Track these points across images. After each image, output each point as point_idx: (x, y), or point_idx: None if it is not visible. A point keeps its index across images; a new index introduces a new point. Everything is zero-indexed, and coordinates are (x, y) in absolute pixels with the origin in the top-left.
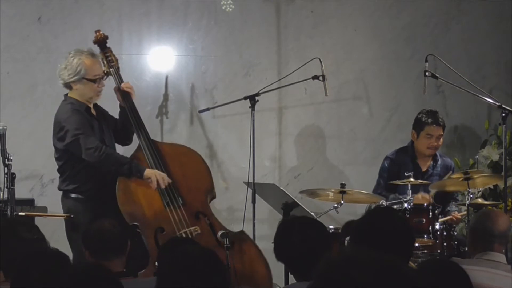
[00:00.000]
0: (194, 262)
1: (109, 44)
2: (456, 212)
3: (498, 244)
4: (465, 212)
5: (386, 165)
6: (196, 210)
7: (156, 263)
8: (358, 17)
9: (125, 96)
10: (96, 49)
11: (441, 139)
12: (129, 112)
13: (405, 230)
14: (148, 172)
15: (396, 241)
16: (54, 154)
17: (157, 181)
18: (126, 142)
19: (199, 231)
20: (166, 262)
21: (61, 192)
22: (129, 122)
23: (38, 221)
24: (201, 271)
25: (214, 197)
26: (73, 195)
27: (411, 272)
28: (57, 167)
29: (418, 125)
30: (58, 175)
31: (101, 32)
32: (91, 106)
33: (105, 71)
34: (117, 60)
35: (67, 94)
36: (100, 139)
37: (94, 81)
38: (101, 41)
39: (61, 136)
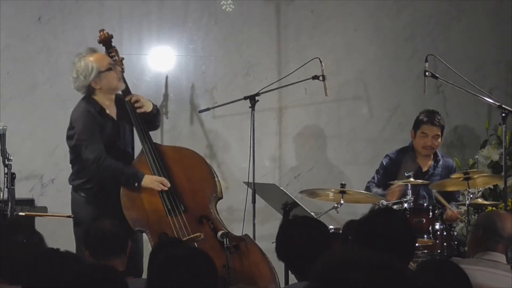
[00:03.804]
0: (183, 263)
1: None
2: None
3: (502, 245)
4: (462, 210)
5: (384, 163)
6: (200, 215)
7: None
8: (358, 17)
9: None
10: (102, 49)
11: (439, 140)
12: (132, 114)
13: (406, 232)
14: (145, 182)
15: (398, 242)
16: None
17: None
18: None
19: (202, 237)
20: (157, 264)
21: (60, 192)
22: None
23: (38, 221)
24: (191, 272)
25: (220, 198)
26: (79, 192)
27: (409, 272)
28: (57, 167)
29: (416, 124)
30: (58, 175)
31: (105, 32)
32: (111, 104)
33: (118, 58)
34: (121, 60)
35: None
36: (110, 140)
37: (110, 69)
38: (106, 41)
39: (70, 135)
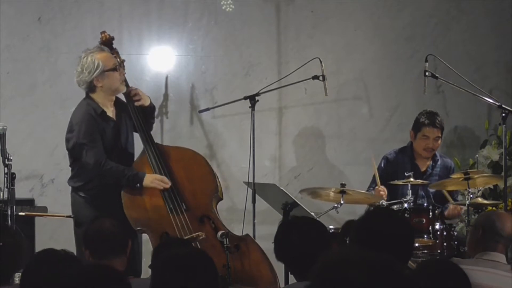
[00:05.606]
0: (183, 263)
1: None
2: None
3: (502, 245)
4: (465, 208)
5: (382, 165)
6: (201, 214)
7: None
8: (358, 16)
9: (129, 101)
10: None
11: (439, 141)
12: (134, 116)
13: (405, 232)
14: (147, 181)
15: (396, 242)
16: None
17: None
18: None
19: (204, 236)
20: (159, 264)
21: (60, 192)
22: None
23: (38, 221)
24: (192, 272)
25: (221, 199)
26: (80, 193)
27: (408, 272)
28: (57, 167)
29: (416, 126)
30: (58, 175)
31: (106, 34)
32: (111, 106)
33: (120, 60)
34: (122, 62)
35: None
36: (111, 142)
37: (114, 69)
38: (107, 43)
39: (68, 137)
